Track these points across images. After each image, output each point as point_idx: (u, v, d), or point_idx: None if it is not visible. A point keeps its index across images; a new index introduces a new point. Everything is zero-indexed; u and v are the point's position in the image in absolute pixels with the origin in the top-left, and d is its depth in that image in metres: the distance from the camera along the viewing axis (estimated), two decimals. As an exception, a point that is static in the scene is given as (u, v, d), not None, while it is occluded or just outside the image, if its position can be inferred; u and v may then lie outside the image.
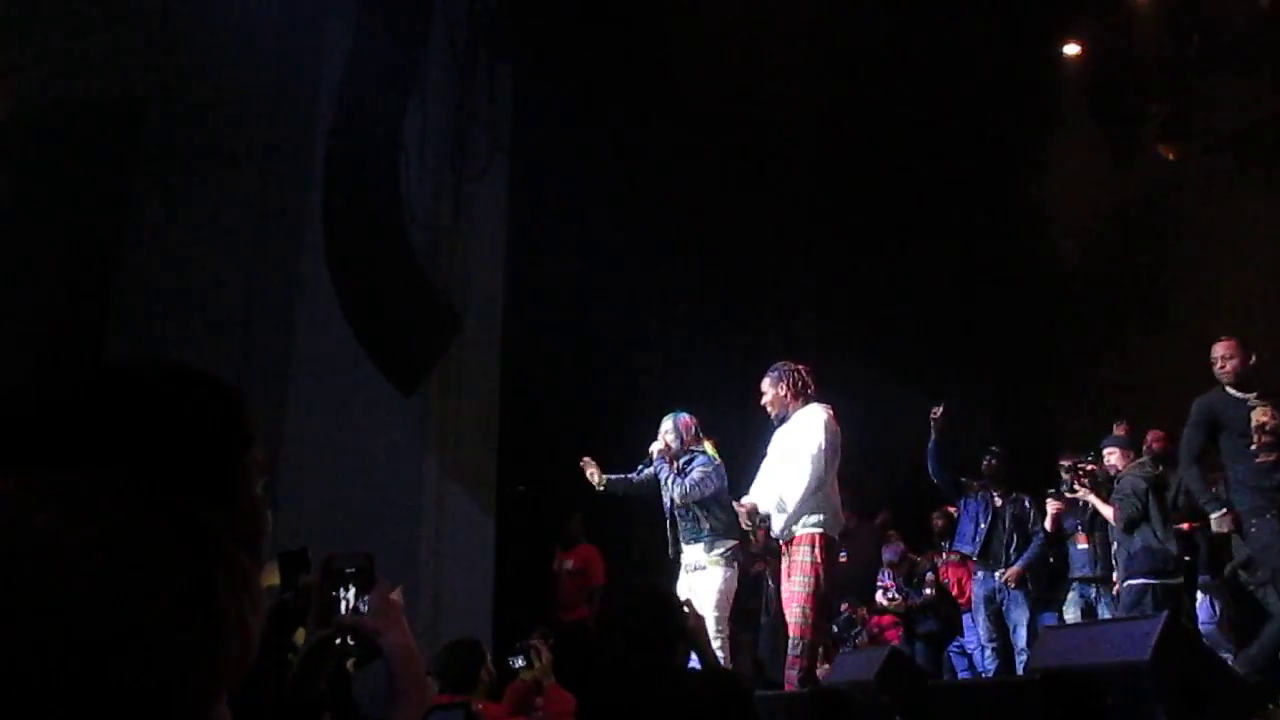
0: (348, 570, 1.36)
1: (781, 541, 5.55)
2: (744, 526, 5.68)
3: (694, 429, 6.02)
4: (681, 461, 5.92)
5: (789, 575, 5.49)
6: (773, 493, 5.57)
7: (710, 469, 5.85)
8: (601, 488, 6.19)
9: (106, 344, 7.48)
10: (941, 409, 7.03)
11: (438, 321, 7.97)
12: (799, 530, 5.44)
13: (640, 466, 6.17)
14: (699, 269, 10.24)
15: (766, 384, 5.72)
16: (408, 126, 7.68)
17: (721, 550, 5.80)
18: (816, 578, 5.36)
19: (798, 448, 5.50)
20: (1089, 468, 7.06)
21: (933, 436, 7.12)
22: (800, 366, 5.74)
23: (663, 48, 9.20)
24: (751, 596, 8.43)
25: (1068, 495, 7.17)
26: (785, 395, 5.64)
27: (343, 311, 7.32)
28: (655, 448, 6.00)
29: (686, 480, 5.76)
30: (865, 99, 9.91)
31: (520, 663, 4.53)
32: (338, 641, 1.32)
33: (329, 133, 7.32)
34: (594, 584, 8.51)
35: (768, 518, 5.62)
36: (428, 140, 8.18)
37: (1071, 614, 7.21)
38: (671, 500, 5.90)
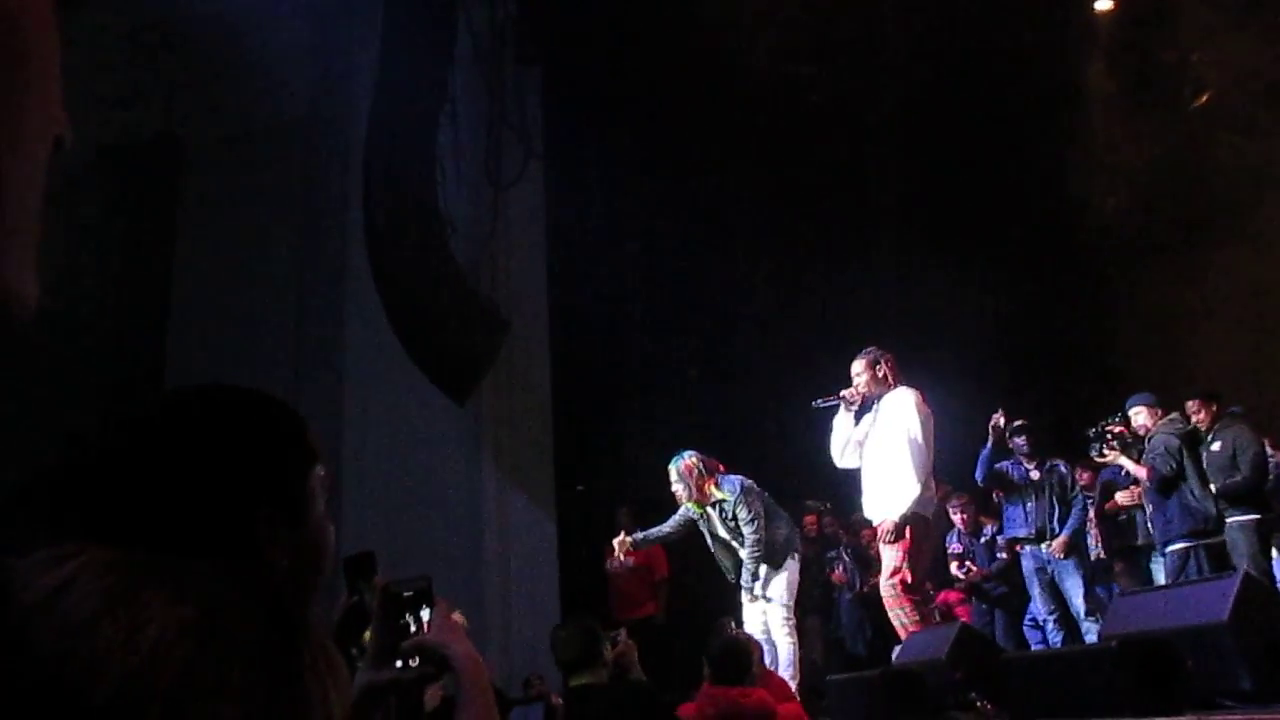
0: (406, 594, 1.37)
1: (878, 524, 5.58)
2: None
3: (698, 468, 6.01)
4: (714, 509, 5.99)
5: (884, 550, 5.57)
6: (876, 477, 5.59)
7: (747, 506, 5.90)
8: (631, 549, 6.32)
9: (166, 371, 7.65)
10: (1003, 416, 6.95)
11: (486, 329, 8.04)
12: (895, 514, 5.46)
13: (679, 517, 6.22)
14: (744, 257, 10.21)
15: (859, 366, 5.72)
16: (441, 139, 7.74)
17: (769, 570, 5.92)
18: (904, 552, 5.40)
19: (893, 436, 5.52)
20: (1116, 429, 6.84)
21: (990, 443, 7.01)
22: (888, 354, 5.75)
23: (690, 44, 9.17)
24: (814, 583, 8.40)
25: (1097, 460, 6.94)
26: (870, 380, 5.65)
27: (391, 326, 7.41)
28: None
29: (750, 539, 5.87)
30: (899, 67, 9.80)
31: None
32: (400, 665, 1.33)
33: (365, 152, 7.41)
34: (659, 578, 8.38)
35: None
36: (462, 151, 8.25)
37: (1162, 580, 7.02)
38: (726, 539, 6.02)
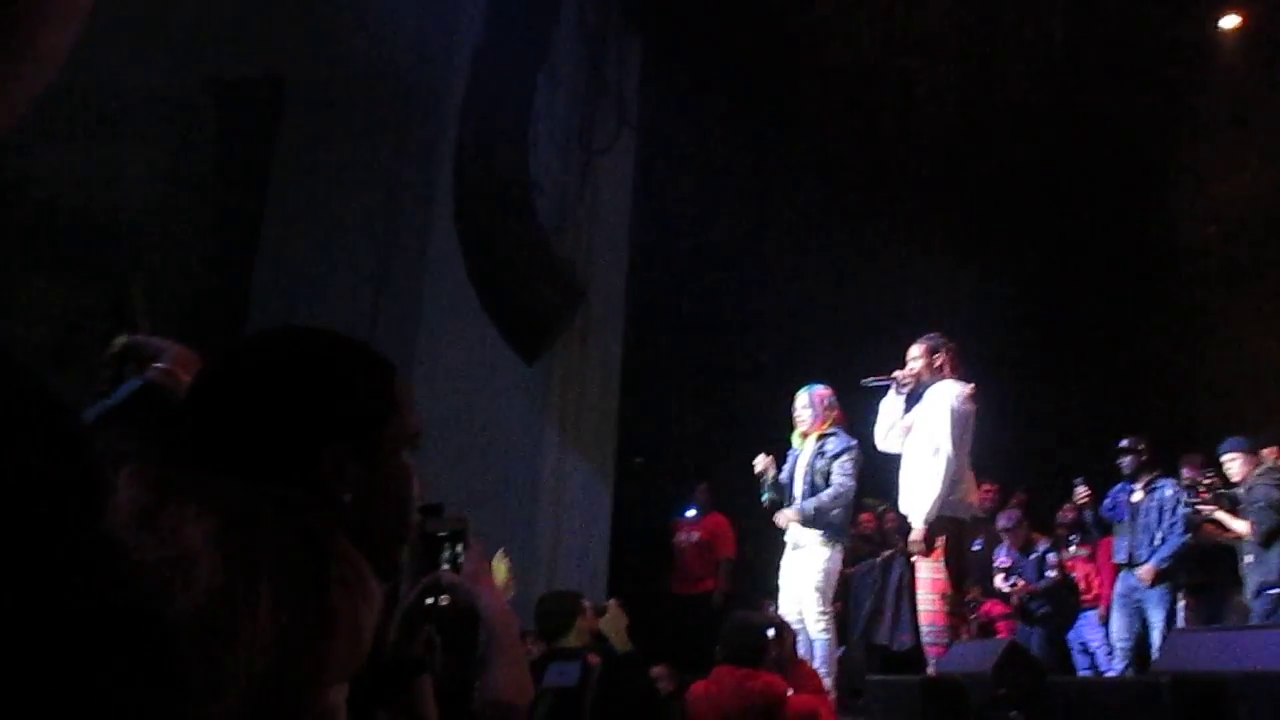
0: (441, 534, 1.41)
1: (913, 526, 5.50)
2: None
3: (829, 400, 5.96)
4: (819, 443, 5.88)
5: (917, 561, 5.48)
6: (910, 471, 5.52)
7: (852, 462, 5.82)
8: (769, 490, 6.05)
9: (250, 310, 7.83)
10: (1084, 492, 7.25)
11: (562, 293, 8.07)
12: (919, 518, 5.37)
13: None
14: (825, 242, 10.10)
15: (916, 351, 5.62)
16: (537, 100, 7.76)
17: (823, 530, 5.76)
18: (939, 563, 5.29)
19: (928, 433, 5.42)
20: (1208, 480, 6.57)
21: (1089, 515, 7.34)
22: (950, 343, 5.63)
23: (792, 21, 9.05)
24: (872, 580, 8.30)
25: (1193, 518, 6.66)
26: (925, 366, 5.54)
27: (470, 281, 7.48)
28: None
29: (836, 487, 5.76)
30: (1004, 69, 9.57)
31: (770, 634, 4.62)
32: (429, 602, 1.36)
33: (461, 107, 7.46)
34: (722, 556, 8.34)
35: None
36: (556, 114, 8.27)
37: None
38: (797, 477, 5.90)
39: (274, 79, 8.22)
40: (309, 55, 7.89)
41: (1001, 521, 7.92)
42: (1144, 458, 6.94)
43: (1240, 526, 6.34)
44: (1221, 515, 6.45)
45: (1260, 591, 6.20)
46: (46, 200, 7.57)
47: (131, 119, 7.73)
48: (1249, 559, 6.36)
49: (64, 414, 0.51)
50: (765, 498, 6.07)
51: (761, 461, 6.03)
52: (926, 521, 5.29)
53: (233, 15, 7.52)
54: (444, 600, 1.36)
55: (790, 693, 4.50)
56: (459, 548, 1.41)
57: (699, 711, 4.27)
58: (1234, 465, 6.51)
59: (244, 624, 0.79)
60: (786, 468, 6.02)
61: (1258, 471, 6.36)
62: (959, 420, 5.34)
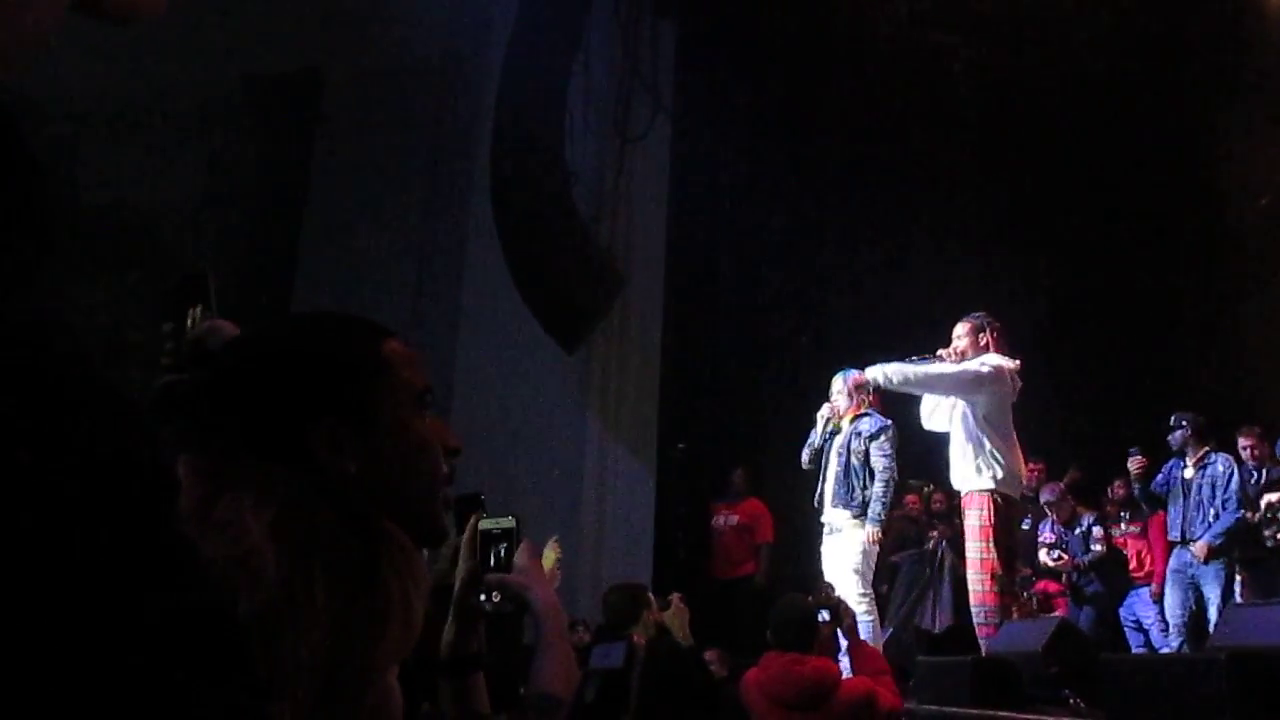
0: (494, 531, 1.42)
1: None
2: None
3: (868, 385, 5.97)
4: (853, 424, 5.92)
5: (965, 540, 5.44)
6: (955, 447, 5.47)
7: (889, 442, 5.86)
8: (811, 453, 6.16)
9: (292, 306, 7.92)
10: (1140, 461, 7.01)
11: (601, 281, 8.08)
12: (968, 488, 5.31)
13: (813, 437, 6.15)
14: (864, 223, 10.01)
15: (962, 329, 5.55)
16: (572, 89, 7.76)
17: (858, 512, 5.76)
18: (987, 542, 5.23)
19: (963, 407, 5.39)
20: (1276, 497, 6.41)
21: (1136, 489, 7.13)
22: (995, 321, 5.58)
23: (827, 7, 8.95)
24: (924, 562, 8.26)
25: (1271, 547, 6.41)
26: (970, 345, 5.48)
27: (509, 271, 7.51)
28: (823, 411, 6.08)
29: (881, 475, 5.82)
30: (1044, 43, 9.42)
31: (825, 616, 4.59)
32: (483, 598, 1.37)
33: (496, 97, 7.48)
34: (761, 540, 8.34)
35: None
36: (591, 102, 8.26)
37: None
38: (831, 459, 5.90)
39: (310, 74, 8.29)
40: (344, 49, 7.95)
41: (1044, 495, 7.82)
42: (1189, 432, 6.82)
43: None
44: None
45: None
46: (90, 201, 7.70)
47: (172, 119, 7.83)
48: None
49: (137, 416, 0.52)
50: (806, 458, 6.13)
51: (827, 409, 6.09)
52: (978, 489, 5.25)
53: (267, 12, 7.59)
54: (496, 598, 1.37)
55: (846, 675, 4.47)
56: (509, 548, 1.42)
57: (752, 698, 4.25)
58: None
59: (304, 617, 0.80)
60: (824, 452, 6.08)
61: None
62: (985, 373, 5.28)
